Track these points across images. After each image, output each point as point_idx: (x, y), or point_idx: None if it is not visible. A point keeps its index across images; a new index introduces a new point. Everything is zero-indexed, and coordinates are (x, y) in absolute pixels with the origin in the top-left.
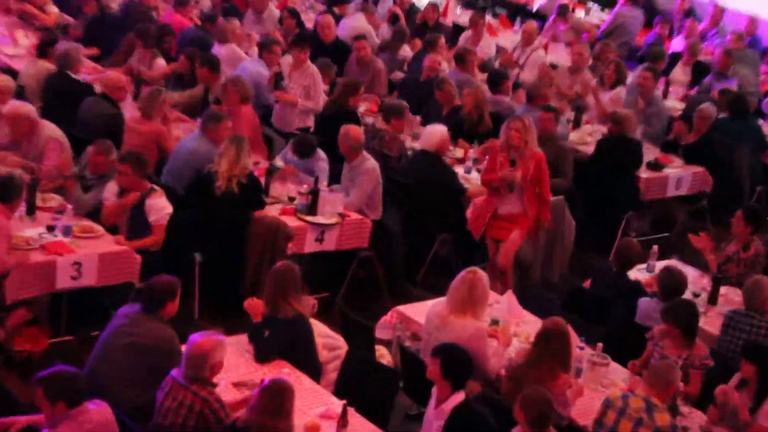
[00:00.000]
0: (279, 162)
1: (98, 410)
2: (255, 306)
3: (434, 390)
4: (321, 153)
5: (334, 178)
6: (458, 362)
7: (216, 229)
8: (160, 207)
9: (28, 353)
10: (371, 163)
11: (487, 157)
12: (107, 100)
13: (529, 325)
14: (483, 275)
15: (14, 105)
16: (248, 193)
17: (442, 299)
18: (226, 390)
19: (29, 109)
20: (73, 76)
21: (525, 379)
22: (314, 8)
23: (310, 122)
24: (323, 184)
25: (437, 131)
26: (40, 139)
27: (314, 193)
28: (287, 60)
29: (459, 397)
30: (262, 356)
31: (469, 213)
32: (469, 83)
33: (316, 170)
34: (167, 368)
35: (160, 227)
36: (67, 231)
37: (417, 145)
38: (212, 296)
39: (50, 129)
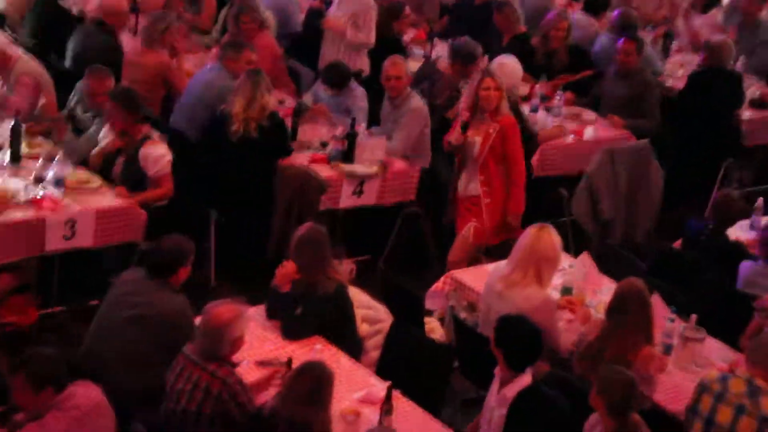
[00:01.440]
0: (308, 100)
1: (85, 393)
2: (287, 272)
3: (497, 370)
4: (357, 87)
5: (374, 118)
6: (528, 338)
7: (234, 181)
8: (157, 156)
9: (15, 327)
10: (417, 101)
11: (557, 94)
12: (103, 28)
13: (608, 294)
14: (553, 232)
15: None
16: (270, 138)
17: (503, 262)
18: (248, 370)
19: (1, 41)
20: (61, 3)
21: (600, 358)
22: None
23: (365, 64)
24: (361, 126)
25: (509, 65)
26: (12, 76)
27: (351, 136)
28: None
29: (526, 379)
30: (292, 335)
31: (534, 160)
32: (548, 8)
33: (352, 109)
34: (178, 345)
35: (166, 177)
36: (58, 183)
37: None
38: (231, 260)
39: (25, 64)
